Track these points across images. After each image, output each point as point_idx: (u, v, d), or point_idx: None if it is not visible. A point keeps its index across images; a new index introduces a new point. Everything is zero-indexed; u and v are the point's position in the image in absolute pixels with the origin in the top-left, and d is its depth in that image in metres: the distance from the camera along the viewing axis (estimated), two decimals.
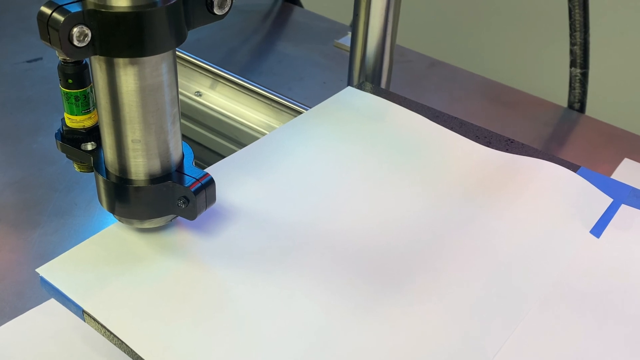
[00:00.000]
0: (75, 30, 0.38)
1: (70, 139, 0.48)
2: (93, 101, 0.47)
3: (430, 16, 1.44)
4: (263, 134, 0.73)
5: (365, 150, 0.58)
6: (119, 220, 0.47)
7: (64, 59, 0.45)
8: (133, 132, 0.43)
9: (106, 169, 0.46)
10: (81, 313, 0.43)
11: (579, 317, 0.44)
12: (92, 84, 0.46)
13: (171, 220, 0.48)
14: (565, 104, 0.89)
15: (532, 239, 0.50)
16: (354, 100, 0.64)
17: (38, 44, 0.93)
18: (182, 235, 0.48)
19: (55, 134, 0.49)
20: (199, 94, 0.79)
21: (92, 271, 0.45)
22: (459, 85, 0.93)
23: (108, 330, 0.42)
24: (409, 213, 0.52)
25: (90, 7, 0.38)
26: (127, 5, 0.38)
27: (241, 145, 0.74)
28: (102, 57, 0.40)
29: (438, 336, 0.43)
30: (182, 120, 0.46)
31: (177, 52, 0.43)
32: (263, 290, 0.45)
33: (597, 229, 0.51)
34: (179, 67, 0.43)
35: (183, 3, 0.41)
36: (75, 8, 0.38)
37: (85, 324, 0.44)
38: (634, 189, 0.55)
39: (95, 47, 0.39)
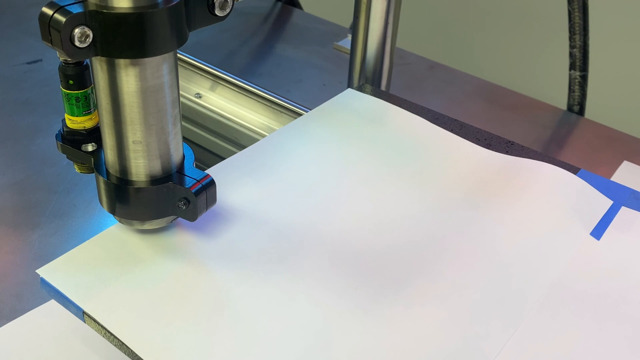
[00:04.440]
0: (77, 31, 0.38)
1: (71, 140, 0.48)
2: (94, 102, 0.47)
3: (430, 19, 1.44)
4: (263, 136, 0.73)
5: (365, 152, 0.58)
6: (119, 222, 0.47)
7: (65, 60, 0.45)
8: (134, 133, 0.43)
9: (107, 170, 0.46)
10: (81, 314, 0.43)
11: (579, 319, 0.44)
12: (93, 85, 0.46)
13: (172, 222, 0.48)
14: (564, 106, 0.89)
15: (532, 241, 0.50)
16: (354, 102, 0.64)
17: (38, 45, 0.93)
18: (182, 237, 0.48)
19: (56, 135, 0.49)
20: (198, 95, 0.79)
21: (93, 272, 0.45)
22: (459, 87, 0.93)
23: (108, 332, 0.42)
24: (409, 215, 0.52)
25: (91, 7, 0.38)
26: (129, 6, 0.38)
27: (241, 147, 0.74)
28: (103, 58, 0.40)
29: (437, 338, 0.43)
30: (182, 122, 0.46)
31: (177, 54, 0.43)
32: (262, 291, 0.45)
33: (598, 231, 0.51)
34: (178, 69, 0.44)
35: (184, 4, 0.41)
36: (76, 9, 0.38)
37: (85, 326, 0.44)
38: (633, 192, 0.55)
39: (96, 47, 0.39)
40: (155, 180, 0.45)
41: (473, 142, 0.59)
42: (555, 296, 0.46)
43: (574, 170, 0.55)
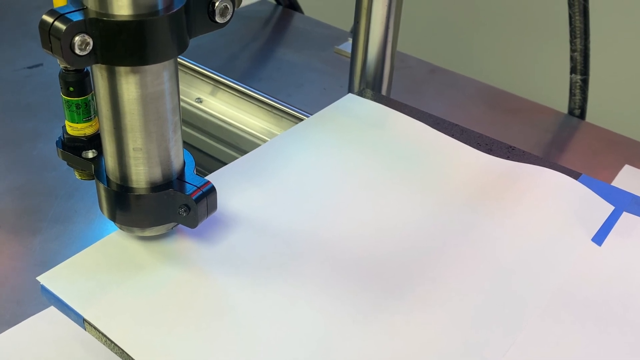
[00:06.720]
0: (77, 38, 0.38)
1: (71, 147, 0.48)
2: (94, 109, 0.47)
3: (431, 22, 1.44)
4: (264, 141, 0.73)
5: (366, 158, 0.58)
6: (120, 228, 0.47)
7: (65, 67, 0.45)
8: (134, 140, 0.43)
9: (107, 176, 0.46)
10: (82, 321, 0.43)
11: (580, 325, 0.44)
12: (93, 92, 0.46)
13: (172, 228, 0.48)
14: (565, 110, 0.89)
15: (533, 247, 0.50)
16: (355, 107, 0.64)
17: (38, 50, 0.93)
18: (183, 243, 0.48)
19: (56, 141, 0.49)
20: (199, 100, 0.79)
21: (93, 279, 0.45)
22: (460, 91, 0.93)
23: (109, 339, 0.42)
24: (410, 220, 0.52)
25: (92, 15, 0.38)
26: (129, 14, 0.38)
27: (242, 151, 0.74)
28: (103, 66, 0.40)
29: (439, 344, 0.42)
30: (183, 127, 0.46)
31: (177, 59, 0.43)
32: (264, 297, 0.45)
33: (599, 237, 0.51)
34: (179, 74, 0.44)
35: (185, 11, 0.41)
36: (77, 17, 0.38)
37: (86, 332, 0.44)
38: (635, 197, 0.55)
39: (96, 55, 0.39)
40: (155, 187, 0.45)
41: (474, 147, 0.59)
42: (556, 302, 0.46)
43: (575, 175, 0.55)
